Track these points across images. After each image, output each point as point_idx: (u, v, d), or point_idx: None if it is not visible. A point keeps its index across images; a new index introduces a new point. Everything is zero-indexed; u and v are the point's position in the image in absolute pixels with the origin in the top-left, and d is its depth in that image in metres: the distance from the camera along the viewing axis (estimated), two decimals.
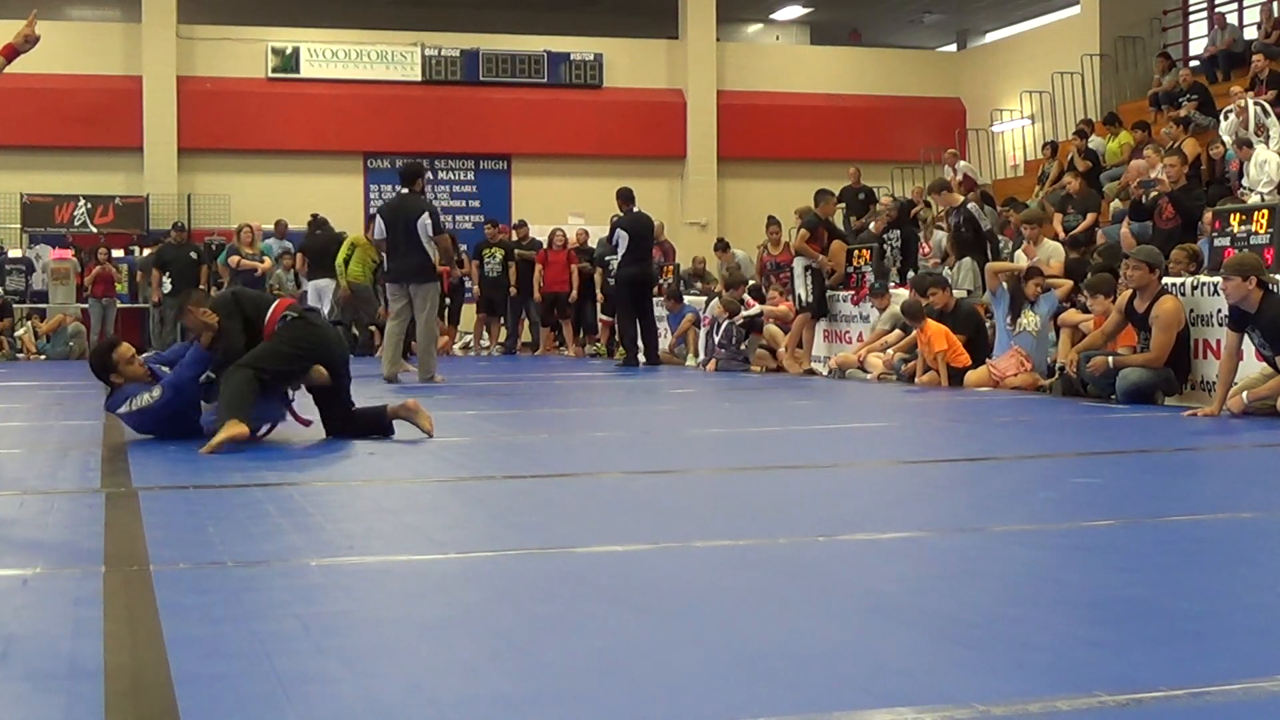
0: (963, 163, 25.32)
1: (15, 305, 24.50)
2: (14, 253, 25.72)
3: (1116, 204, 18.58)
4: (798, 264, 17.27)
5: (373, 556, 4.96)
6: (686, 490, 7.08)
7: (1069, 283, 13.79)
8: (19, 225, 26.10)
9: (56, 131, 26.80)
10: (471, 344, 25.08)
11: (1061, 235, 16.84)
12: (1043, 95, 27.06)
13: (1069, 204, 18.58)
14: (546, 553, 5.06)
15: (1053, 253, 15.09)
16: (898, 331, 15.74)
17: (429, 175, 28.76)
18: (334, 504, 6.48)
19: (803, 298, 17.20)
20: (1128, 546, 5.21)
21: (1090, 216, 18.27)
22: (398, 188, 17.11)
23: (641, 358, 18.72)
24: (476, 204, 29.08)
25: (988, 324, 14.82)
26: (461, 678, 3.36)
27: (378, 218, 15.62)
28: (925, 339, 14.43)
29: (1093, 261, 14.43)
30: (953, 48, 34.44)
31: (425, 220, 14.94)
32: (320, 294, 20.39)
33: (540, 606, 4.13)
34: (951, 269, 17.26)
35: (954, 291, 15.44)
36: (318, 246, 20.95)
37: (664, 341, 20.23)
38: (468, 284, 24.40)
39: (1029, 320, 13.76)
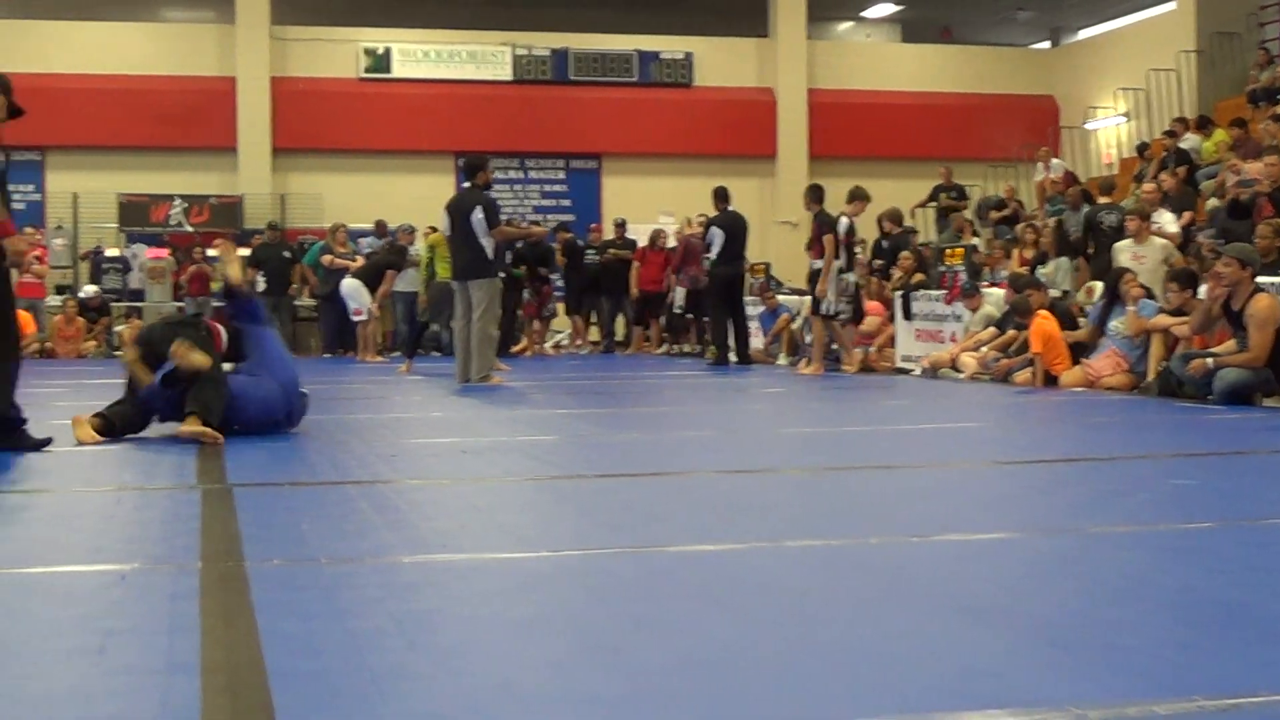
0: (1056, 161, 25.11)
1: (113, 303, 24.81)
2: (111, 252, 26.01)
3: (1214, 202, 18.36)
4: (835, 267, 16.88)
5: (464, 554, 4.98)
6: (777, 489, 7.06)
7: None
8: (116, 225, 26.40)
9: (152, 132, 27.09)
10: (564, 342, 25.17)
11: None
12: (1138, 93, 26.78)
13: (1165, 203, 18.36)
14: (637, 551, 5.06)
15: (1164, 251, 14.90)
16: (992, 330, 15.62)
17: (523, 174, 29.01)
18: (426, 502, 6.51)
19: (830, 303, 16.86)
20: (1225, 549, 5.14)
21: (1186, 215, 18.05)
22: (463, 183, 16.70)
23: (733, 356, 18.68)
24: (567, 203, 29.15)
25: (1082, 324, 14.69)
26: (551, 676, 3.36)
27: (444, 214, 15.29)
28: (1030, 333, 14.31)
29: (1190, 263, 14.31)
30: (1046, 45, 34.16)
31: (478, 215, 14.51)
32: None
33: (631, 605, 4.13)
34: (1046, 268, 17.14)
35: (1050, 292, 15.32)
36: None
37: (757, 340, 20.17)
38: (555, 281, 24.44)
39: (1124, 323, 13.62)
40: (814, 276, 17.03)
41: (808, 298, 18.23)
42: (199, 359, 8.72)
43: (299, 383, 9.50)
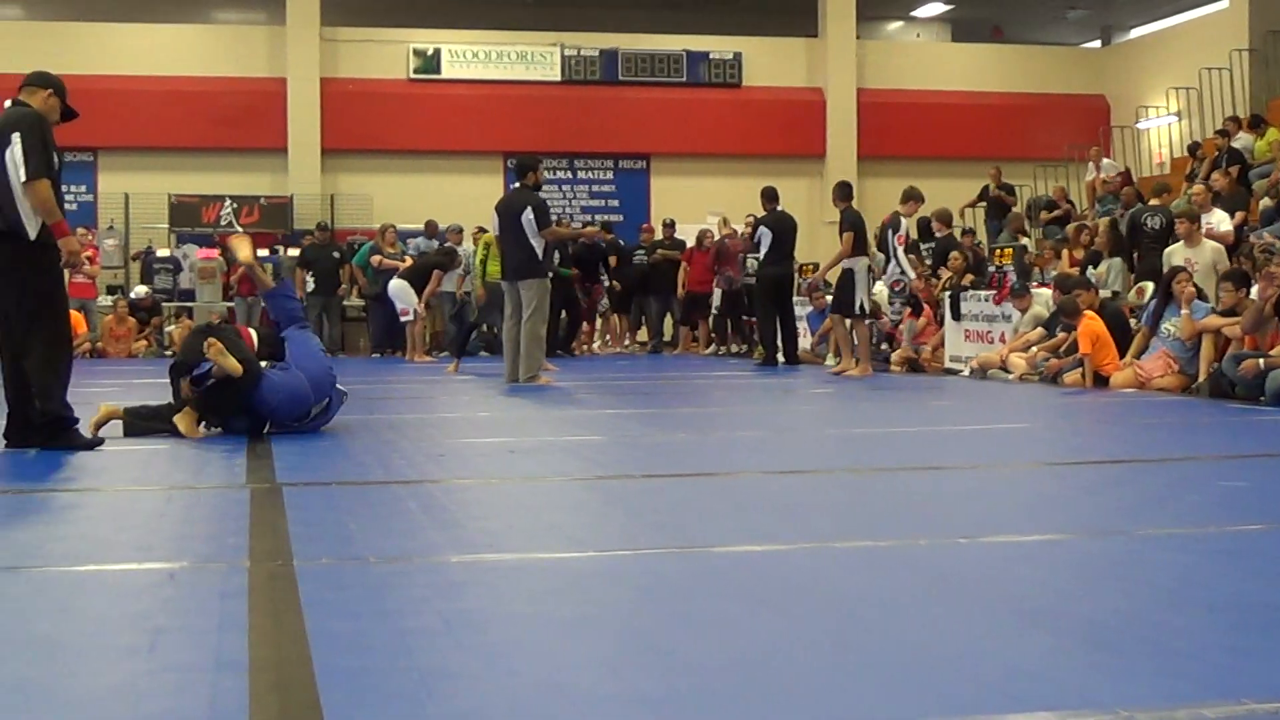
0: (1107, 160, 24.97)
1: (164, 303, 24.95)
2: (162, 252, 26.13)
3: (1266, 201, 18.23)
4: (859, 266, 16.81)
5: (512, 554, 4.99)
6: (825, 490, 7.05)
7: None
8: (167, 225, 26.51)
9: (203, 133, 27.21)
10: (610, 341, 25.19)
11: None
12: (1190, 91, 26.60)
13: (1217, 202, 18.24)
14: (685, 552, 5.06)
15: (1215, 255, 14.79)
16: (1040, 330, 15.55)
17: (571, 174, 29.03)
18: (473, 501, 6.53)
19: (863, 303, 16.80)
20: (1275, 552, 5.12)
21: (1239, 215, 17.93)
22: (513, 183, 16.74)
23: (780, 357, 18.65)
24: (616, 203, 29.13)
25: (1134, 325, 14.59)
26: (600, 675, 3.37)
27: (494, 215, 15.31)
28: (1078, 335, 14.22)
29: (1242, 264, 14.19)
30: (1097, 44, 33.96)
31: (529, 215, 14.50)
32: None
33: (679, 605, 4.13)
34: (1097, 269, 17.02)
35: (1100, 292, 15.22)
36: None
37: (804, 341, 20.14)
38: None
39: (1177, 324, 13.51)
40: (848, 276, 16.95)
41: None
42: (231, 364, 8.83)
43: (333, 380, 9.58)
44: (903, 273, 17.54)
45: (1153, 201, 17.85)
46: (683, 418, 11.98)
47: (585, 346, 23.90)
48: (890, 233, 17.23)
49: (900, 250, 17.25)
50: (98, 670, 3.44)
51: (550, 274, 15.81)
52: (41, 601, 4.29)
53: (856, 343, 17.13)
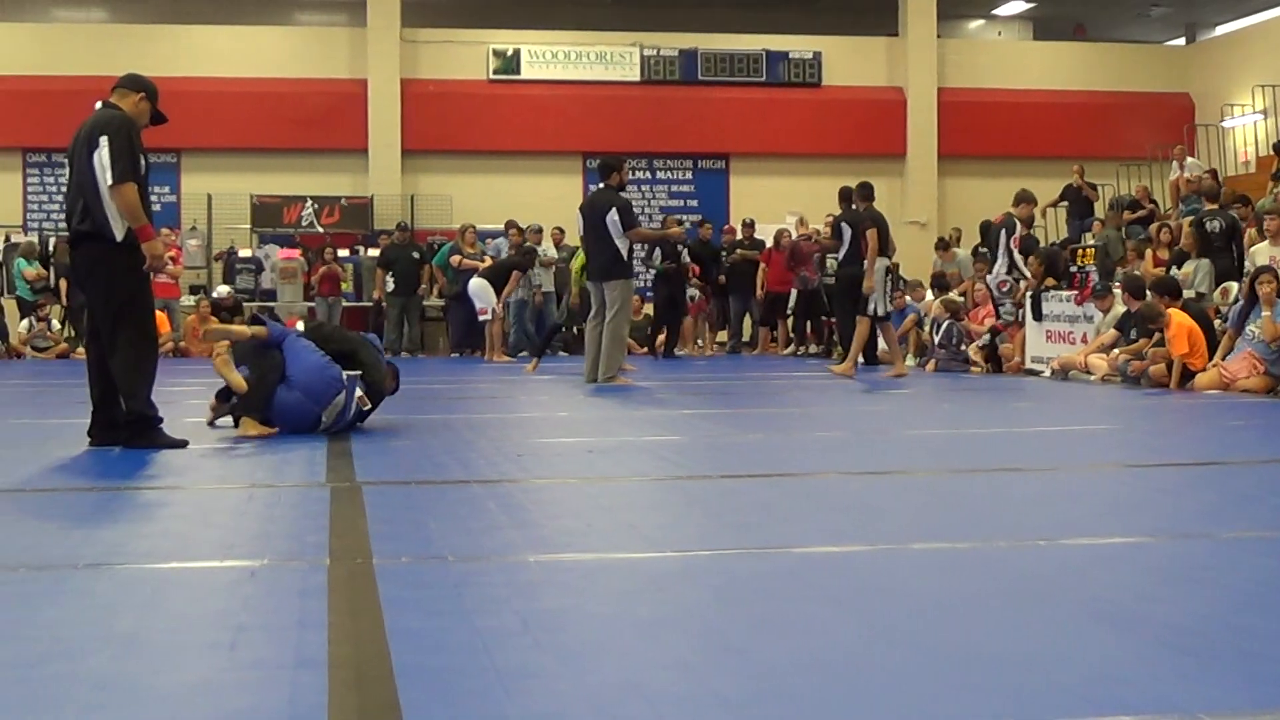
0: (1191, 160, 24.72)
1: (245, 303, 25.14)
2: (244, 252, 26.37)
3: None
4: (879, 266, 16.80)
5: (590, 554, 5.00)
6: (904, 491, 7.02)
7: None
8: (249, 225, 26.74)
9: (285, 134, 27.42)
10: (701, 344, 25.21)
11: None
12: (1276, 89, 26.30)
13: None
14: (763, 552, 5.05)
15: None
16: (1114, 332, 15.39)
17: (650, 175, 29.03)
18: (552, 501, 6.54)
19: (879, 305, 16.80)
20: None
21: None
22: (596, 184, 16.75)
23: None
24: (695, 203, 29.10)
25: (1217, 325, 14.43)
26: (678, 676, 3.37)
27: (578, 215, 15.41)
28: (1170, 336, 14.01)
29: None
30: (1181, 41, 33.64)
31: (613, 216, 14.51)
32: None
33: (757, 606, 4.13)
34: (1183, 269, 16.88)
35: (1184, 293, 15.08)
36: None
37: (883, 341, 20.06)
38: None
39: (1261, 326, 13.35)
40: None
41: (928, 297, 18.17)
42: (234, 380, 9.29)
43: (334, 375, 9.26)
44: (1009, 270, 17.44)
45: (1209, 206, 17.68)
46: (762, 418, 11.95)
47: (696, 345, 23.97)
48: (1005, 234, 17.17)
49: (1015, 252, 17.21)
50: (180, 667, 3.47)
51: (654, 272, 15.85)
52: (125, 598, 4.33)
53: (855, 342, 17.10)
